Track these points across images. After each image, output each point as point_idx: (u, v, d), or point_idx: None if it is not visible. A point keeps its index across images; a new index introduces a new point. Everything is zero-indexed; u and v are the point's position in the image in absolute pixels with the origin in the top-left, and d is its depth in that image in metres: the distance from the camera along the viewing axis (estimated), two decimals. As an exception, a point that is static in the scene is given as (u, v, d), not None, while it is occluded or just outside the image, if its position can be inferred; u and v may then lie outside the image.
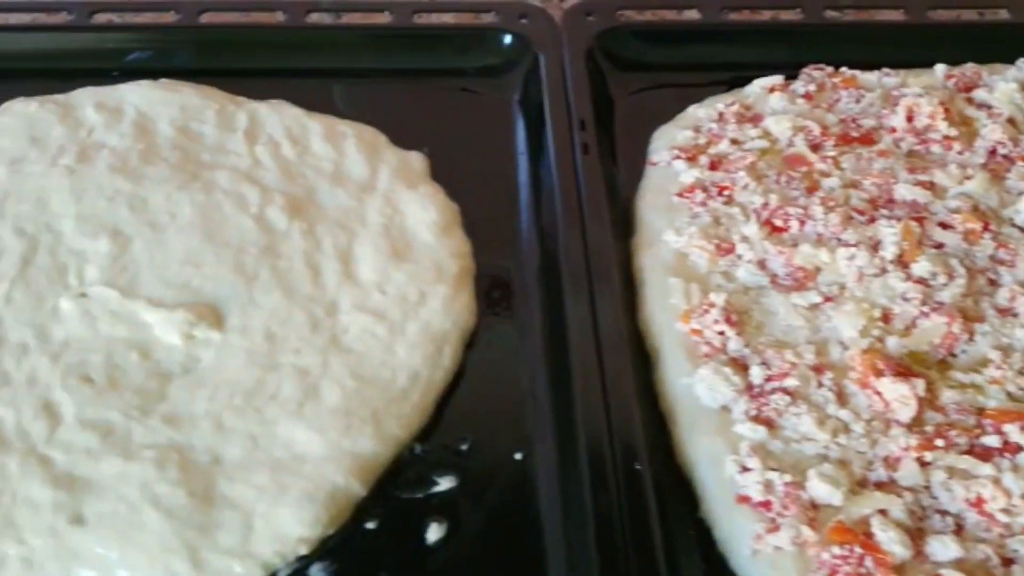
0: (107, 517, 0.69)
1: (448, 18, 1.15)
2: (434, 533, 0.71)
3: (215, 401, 0.76)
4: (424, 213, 0.90)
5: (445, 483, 0.74)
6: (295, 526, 0.69)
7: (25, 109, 0.99)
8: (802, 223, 0.88)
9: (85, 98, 1.01)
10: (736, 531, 0.69)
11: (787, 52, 1.09)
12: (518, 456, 0.75)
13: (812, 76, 1.04)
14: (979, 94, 1.02)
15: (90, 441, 0.73)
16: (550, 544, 0.70)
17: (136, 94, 1.01)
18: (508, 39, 1.07)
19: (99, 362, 0.78)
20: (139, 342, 0.80)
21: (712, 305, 0.81)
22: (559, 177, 0.92)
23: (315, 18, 1.11)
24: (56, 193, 0.90)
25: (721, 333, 0.79)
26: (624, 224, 0.92)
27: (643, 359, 0.82)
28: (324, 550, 0.70)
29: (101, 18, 1.11)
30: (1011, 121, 0.98)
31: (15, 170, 0.93)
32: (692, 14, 1.14)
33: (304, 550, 0.69)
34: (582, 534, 0.68)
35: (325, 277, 0.85)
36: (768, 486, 0.70)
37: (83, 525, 0.69)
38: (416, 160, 0.97)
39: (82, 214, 0.88)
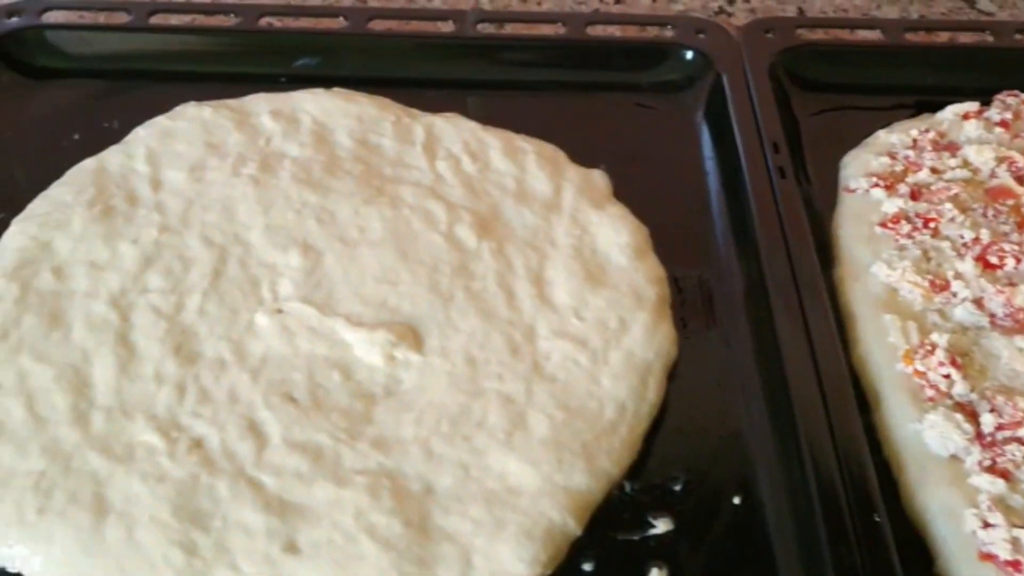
0: (322, 546, 0.67)
1: (617, 31, 1.12)
2: (656, 578, 0.68)
3: (422, 426, 0.73)
4: (616, 235, 0.87)
5: (662, 525, 0.71)
6: (515, 564, 0.66)
7: (199, 114, 0.97)
8: (1018, 260, 0.84)
9: (259, 104, 0.99)
10: (981, 591, 0.66)
11: (975, 76, 1.05)
12: (736, 500, 0.72)
13: (1007, 103, 1.00)
14: None
15: (300, 465, 0.71)
16: (788, 601, 0.66)
17: (311, 102, 0.99)
18: (690, 55, 1.03)
19: (301, 381, 0.76)
20: (339, 361, 0.77)
21: (935, 346, 0.77)
22: (756, 202, 0.88)
23: (482, 27, 1.09)
24: (242, 203, 0.88)
25: (947, 376, 0.75)
26: (822, 251, 0.88)
27: (860, 401, 0.78)
28: (541, 590, 0.67)
29: (263, 22, 1.09)
30: None
31: (196, 177, 0.91)
32: (867, 34, 1.10)
33: (522, 589, 0.67)
34: (823, 589, 0.65)
35: (520, 300, 0.82)
36: (1016, 544, 0.66)
37: (298, 554, 0.67)
38: (599, 178, 0.94)
39: (271, 226, 0.86)
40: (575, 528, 0.69)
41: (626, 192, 0.93)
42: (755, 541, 0.69)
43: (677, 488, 0.73)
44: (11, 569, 0.67)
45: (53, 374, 0.76)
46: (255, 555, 0.66)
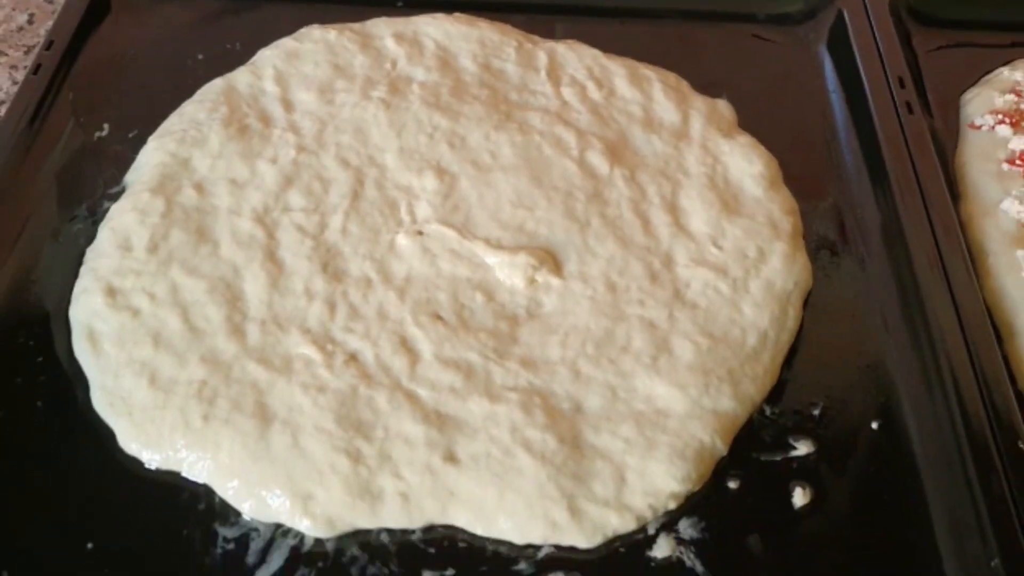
0: (481, 458, 0.69)
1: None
2: (800, 498, 0.70)
3: (568, 348, 0.75)
4: (748, 165, 0.87)
5: (803, 447, 0.72)
6: (667, 481, 0.69)
7: (324, 36, 0.98)
8: None
9: (382, 28, 0.99)
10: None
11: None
12: (875, 425, 0.74)
13: None
14: None
15: (454, 380, 0.73)
16: (937, 521, 0.68)
17: (433, 26, 0.99)
18: (811, -12, 1.03)
19: (446, 300, 0.78)
20: (481, 283, 0.79)
21: (1069, 282, 0.78)
22: (885, 137, 0.89)
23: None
24: (375, 126, 0.89)
25: (1083, 312, 0.76)
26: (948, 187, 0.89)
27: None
28: (690, 506, 0.69)
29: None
30: None
31: (327, 100, 0.92)
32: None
33: (673, 505, 0.69)
34: (971, 516, 0.66)
35: (656, 228, 0.83)
36: None
37: (458, 464, 0.69)
38: (725, 108, 0.94)
39: (404, 149, 0.87)
40: (722, 449, 0.71)
41: (749, 124, 0.94)
42: (898, 465, 0.71)
43: (816, 412, 0.74)
44: (182, 473, 0.70)
45: (205, 287, 0.78)
46: (417, 464, 0.69)
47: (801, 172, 0.90)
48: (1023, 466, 0.68)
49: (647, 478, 0.69)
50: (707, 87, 0.97)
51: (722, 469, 0.71)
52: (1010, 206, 0.84)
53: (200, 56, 1.00)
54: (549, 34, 1.02)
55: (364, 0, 1.04)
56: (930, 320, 0.76)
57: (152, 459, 0.71)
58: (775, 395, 0.76)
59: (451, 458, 0.69)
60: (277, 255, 0.80)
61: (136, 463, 0.71)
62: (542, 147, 0.88)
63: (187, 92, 0.95)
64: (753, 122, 0.94)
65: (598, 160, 0.87)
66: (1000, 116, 0.92)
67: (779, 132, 0.93)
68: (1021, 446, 0.69)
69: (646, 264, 0.80)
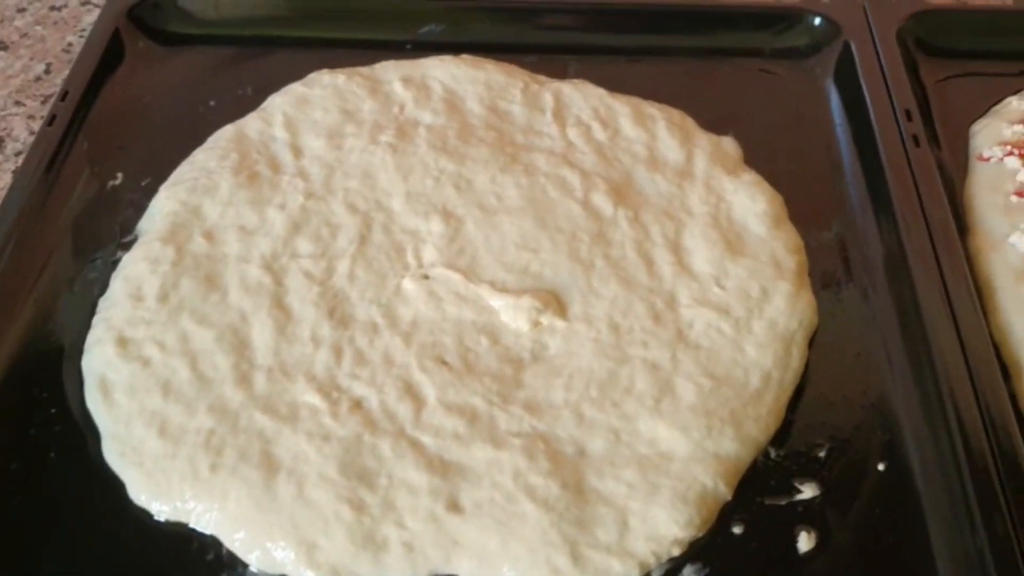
0: (485, 505, 0.69)
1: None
2: (805, 543, 0.69)
3: (571, 391, 0.75)
4: (752, 203, 0.88)
5: (808, 491, 0.72)
6: (670, 527, 0.69)
7: (333, 81, 0.99)
8: None
9: (389, 72, 1.01)
10: None
11: (1108, 41, 1.03)
12: (881, 467, 0.73)
13: None
14: None
15: (457, 426, 0.73)
16: (941, 564, 0.67)
17: (440, 69, 1.00)
18: (817, 21, 1.03)
19: (451, 344, 0.78)
20: (486, 326, 0.80)
21: (1079, 317, 0.77)
22: (891, 171, 0.88)
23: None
24: (382, 170, 0.90)
25: (1092, 350, 0.76)
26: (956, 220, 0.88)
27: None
28: (694, 552, 0.69)
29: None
30: None
31: (335, 145, 0.93)
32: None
33: (677, 552, 0.69)
34: (975, 557, 0.66)
35: (659, 268, 0.83)
36: None
37: (461, 512, 0.69)
38: (729, 145, 0.94)
39: (411, 193, 0.89)
40: (726, 493, 0.71)
41: (756, 159, 0.94)
42: (904, 507, 0.71)
43: (821, 455, 0.74)
44: (190, 524, 0.71)
45: (214, 335, 0.79)
46: (420, 512, 0.69)
47: (807, 208, 0.90)
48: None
49: (650, 523, 0.69)
50: (714, 123, 0.97)
51: (727, 514, 0.71)
52: (1018, 240, 0.84)
53: (212, 103, 1.02)
54: (562, 73, 1.03)
55: (373, 44, 1.06)
56: (935, 357, 0.75)
57: (161, 510, 0.72)
58: (780, 437, 0.75)
59: (454, 506, 0.70)
60: (284, 302, 0.81)
61: (146, 514, 0.72)
62: (547, 189, 0.89)
63: (199, 139, 0.96)
64: (760, 158, 0.94)
65: (602, 201, 0.88)
66: (1009, 148, 0.91)
67: (786, 167, 0.93)
68: (1027, 487, 0.68)
69: (649, 305, 0.81)
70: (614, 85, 1.01)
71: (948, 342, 0.76)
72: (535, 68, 1.03)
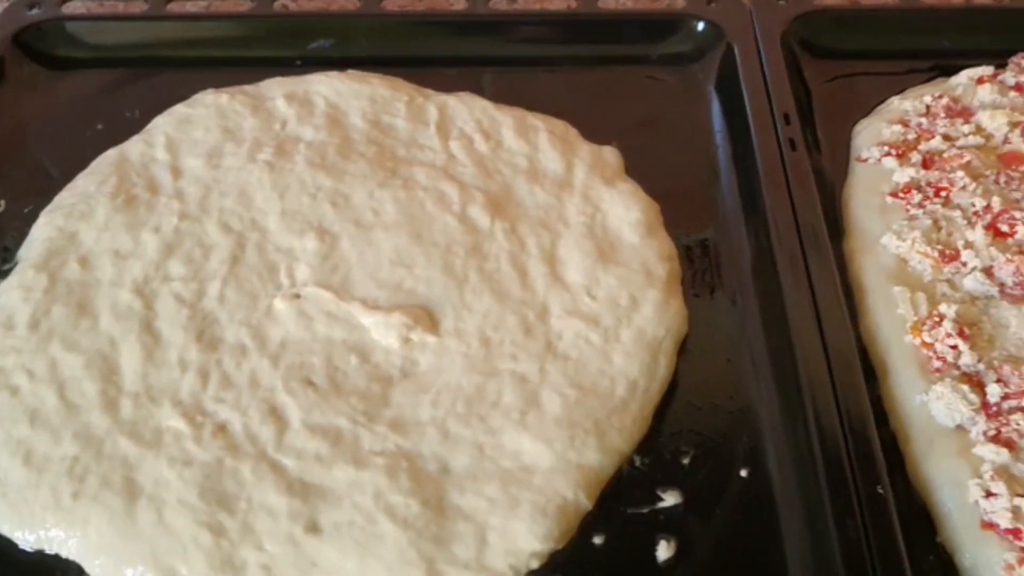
0: (343, 526, 0.69)
1: (629, 2, 1.12)
2: (664, 551, 0.70)
3: (438, 407, 0.76)
4: (626, 212, 0.88)
5: (670, 499, 0.72)
6: (529, 540, 0.69)
7: (216, 100, 0.99)
8: (1029, 228, 0.84)
9: (274, 89, 1.01)
10: (983, 560, 0.67)
11: (991, 38, 1.04)
12: (743, 473, 0.74)
13: (1021, 65, 0.99)
14: None
15: (320, 447, 0.73)
16: (792, 570, 0.68)
17: (325, 85, 1.00)
18: (701, 26, 1.03)
19: (319, 365, 0.78)
20: (357, 344, 0.79)
21: (943, 316, 0.77)
22: (766, 175, 0.89)
23: (493, 3, 1.09)
24: (258, 189, 0.90)
25: (954, 347, 0.76)
26: (833, 222, 0.89)
27: (867, 372, 0.79)
28: (553, 564, 0.69)
29: (277, 5, 1.10)
30: None
31: (214, 164, 0.93)
32: (883, -3, 1.09)
33: (536, 564, 0.69)
34: (828, 560, 0.66)
35: (533, 279, 0.84)
36: (1017, 513, 0.67)
37: (319, 534, 0.69)
38: (611, 155, 0.95)
39: (286, 211, 0.88)
40: (587, 504, 0.71)
41: (639, 166, 0.95)
42: (762, 513, 0.71)
43: (686, 462, 0.75)
44: (49, 551, 0.70)
45: (83, 362, 0.79)
46: (279, 535, 0.69)
47: (684, 215, 0.90)
48: (880, 511, 0.68)
49: (508, 538, 0.69)
50: (600, 132, 0.97)
51: (589, 524, 0.71)
52: (889, 241, 0.84)
53: (100, 126, 1.01)
54: (477, 85, 1.03)
55: (263, 62, 1.06)
56: (798, 363, 0.76)
57: (26, 539, 0.71)
58: (647, 445, 0.76)
59: (314, 528, 0.70)
60: (154, 326, 0.81)
61: (10, 544, 0.71)
62: (425, 203, 0.89)
63: (86, 163, 0.96)
64: (642, 166, 0.94)
65: (479, 214, 0.88)
66: (886, 148, 0.92)
67: (666, 175, 0.93)
68: (879, 491, 0.69)
69: (521, 317, 0.81)
70: (506, 96, 1.01)
71: (811, 347, 0.76)
72: (457, 80, 1.03)
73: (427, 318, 0.81)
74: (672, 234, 0.88)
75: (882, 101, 1.00)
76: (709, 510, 0.72)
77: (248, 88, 1.01)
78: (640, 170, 0.94)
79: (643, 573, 0.69)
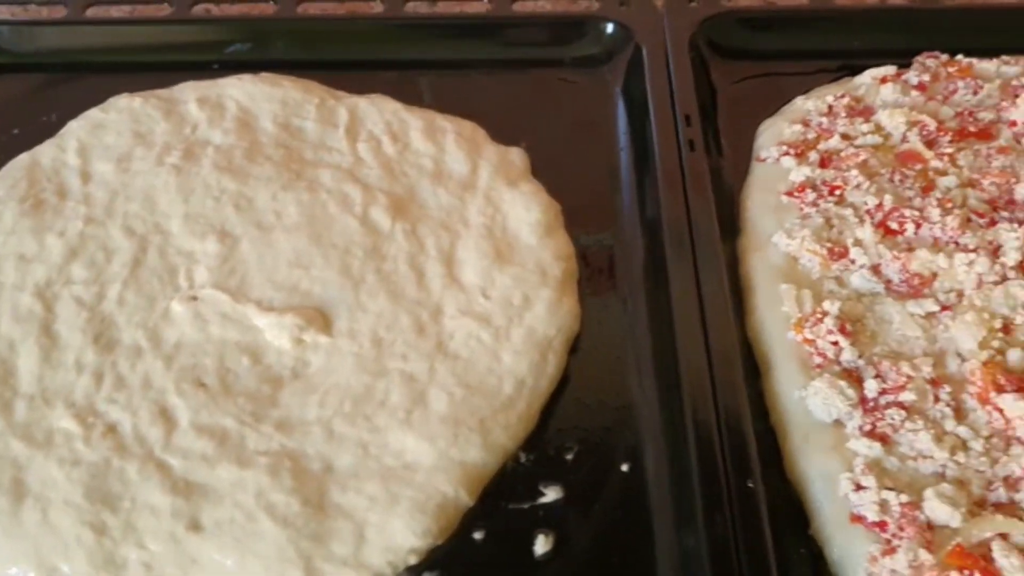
0: (224, 524, 0.70)
1: (546, 5, 1.13)
2: (541, 545, 0.71)
3: (325, 407, 0.77)
4: (526, 213, 0.89)
5: (552, 494, 0.74)
6: (407, 537, 0.70)
7: (130, 105, 1.00)
8: (918, 225, 0.85)
9: (187, 93, 1.02)
10: (850, 552, 0.68)
11: (901, 38, 1.06)
12: (624, 468, 0.75)
13: (926, 65, 1.01)
14: (1108, 82, 0.98)
15: (206, 447, 0.74)
16: (661, 562, 0.69)
17: (237, 88, 1.01)
18: (610, 28, 1.05)
19: (211, 366, 0.79)
20: (250, 346, 0.81)
21: (825, 313, 0.79)
22: (663, 175, 0.90)
23: (413, 7, 1.10)
24: (164, 193, 0.91)
25: (835, 343, 0.77)
26: (730, 222, 0.90)
27: (752, 368, 0.80)
28: (432, 560, 0.71)
29: (199, 9, 1.11)
30: None
31: (123, 168, 0.94)
32: (797, -2, 1.11)
33: (414, 560, 0.70)
34: (696, 554, 0.67)
35: (429, 280, 0.85)
36: (884, 506, 0.68)
37: (201, 532, 0.70)
38: (517, 156, 0.96)
39: (190, 214, 0.89)
40: (467, 500, 0.73)
41: (546, 168, 0.96)
42: (638, 508, 0.72)
43: (570, 458, 0.76)
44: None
45: (-20, 365, 0.80)
46: (161, 534, 0.70)
47: (586, 216, 0.91)
48: (749, 506, 0.69)
49: (387, 534, 0.70)
50: (512, 134, 0.99)
51: (471, 520, 0.73)
52: (780, 239, 0.85)
53: (16, 131, 1.02)
54: (415, 89, 1.04)
55: (180, 66, 1.07)
56: (680, 360, 0.77)
57: (-83, 540, 0.72)
58: (533, 441, 0.77)
59: (195, 526, 0.71)
60: (53, 329, 0.82)
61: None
62: (327, 205, 0.90)
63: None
64: (549, 167, 0.96)
65: (380, 216, 0.89)
66: (785, 147, 0.93)
67: (571, 175, 0.95)
68: (750, 485, 0.70)
69: (415, 317, 0.82)
70: (423, 99, 1.02)
71: (694, 345, 0.78)
72: (395, 84, 1.04)
73: (320, 319, 0.82)
74: (572, 235, 0.90)
75: (788, 102, 1.01)
76: (588, 505, 0.73)
77: (162, 92, 1.02)
78: (547, 171, 0.95)
79: (520, 567, 0.70)
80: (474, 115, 1.00)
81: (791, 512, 0.72)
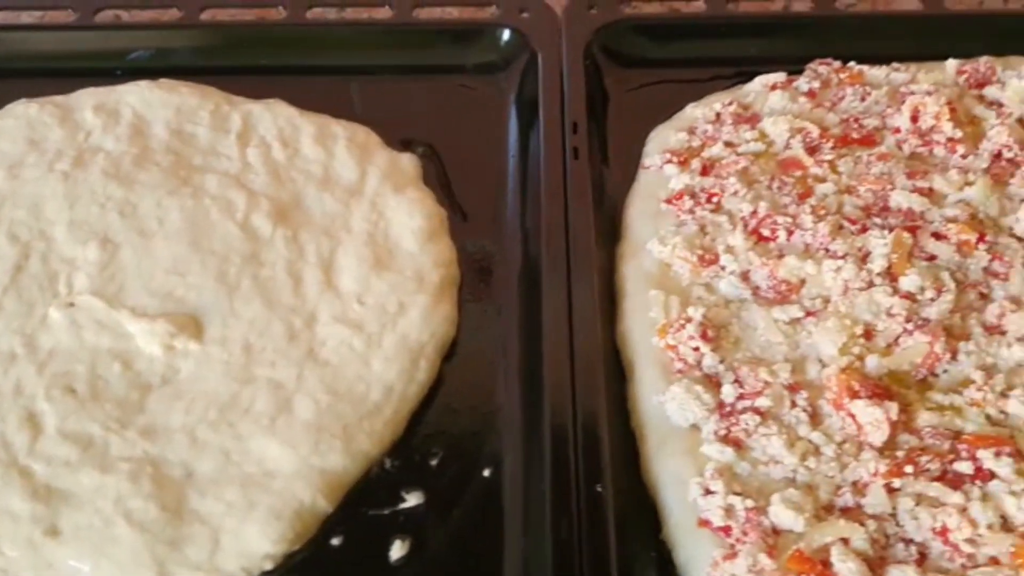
0: (82, 530, 0.71)
1: (453, 12, 1.13)
2: (397, 551, 0.72)
3: (191, 414, 0.77)
4: (409, 219, 0.90)
5: (412, 499, 0.75)
6: (261, 543, 0.71)
7: (26, 111, 1.01)
8: (790, 233, 0.86)
9: (85, 100, 1.02)
10: (695, 556, 0.69)
11: (796, 45, 1.06)
12: (486, 473, 0.76)
13: (817, 72, 1.02)
14: (991, 91, 0.99)
15: (70, 453, 0.75)
16: (508, 566, 0.70)
17: (134, 95, 1.02)
18: (507, 35, 1.05)
19: (83, 372, 0.80)
20: (122, 352, 0.81)
21: (689, 319, 0.80)
22: (547, 182, 0.91)
23: (316, 12, 1.11)
24: (51, 199, 0.92)
25: (696, 349, 0.78)
26: (612, 231, 0.91)
27: (620, 374, 0.81)
28: (289, 565, 0.72)
29: (106, 15, 1.12)
30: (1021, 121, 0.95)
31: (13, 175, 0.95)
32: (698, 5, 1.11)
33: (269, 566, 0.71)
34: (541, 557, 0.68)
35: (306, 287, 0.86)
36: (729, 511, 0.69)
37: (58, 537, 0.71)
38: (407, 162, 0.97)
39: (74, 221, 0.90)
40: (326, 507, 0.74)
41: (439, 174, 0.97)
42: (494, 513, 0.73)
43: (434, 463, 0.77)
44: None
45: None
46: (19, 539, 0.71)
47: (472, 223, 0.92)
48: (597, 510, 0.70)
49: (241, 540, 0.71)
50: (407, 140, 0.99)
51: (329, 526, 0.74)
52: (653, 246, 0.86)
53: (-87, 139, 1.02)
54: (346, 95, 1.05)
55: (82, 72, 1.07)
56: (544, 364, 0.78)
57: None
58: (400, 447, 0.78)
59: (53, 531, 0.72)
60: (-71, 337, 0.83)
61: None
62: (210, 211, 0.91)
63: None
64: (442, 173, 0.96)
65: (262, 222, 0.90)
66: (668, 155, 0.94)
67: (463, 182, 0.96)
68: (599, 489, 0.71)
69: (288, 324, 0.83)
70: (322, 105, 1.02)
71: (558, 350, 0.79)
72: (326, 89, 1.04)
73: (193, 326, 0.83)
74: (458, 241, 0.91)
75: (680, 109, 1.02)
76: (447, 510, 0.74)
77: (59, 99, 1.02)
78: (439, 178, 0.96)
79: (374, 572, 0.71)
80: (372, 121, 1.01)
81: (646, 516, 0.73)
